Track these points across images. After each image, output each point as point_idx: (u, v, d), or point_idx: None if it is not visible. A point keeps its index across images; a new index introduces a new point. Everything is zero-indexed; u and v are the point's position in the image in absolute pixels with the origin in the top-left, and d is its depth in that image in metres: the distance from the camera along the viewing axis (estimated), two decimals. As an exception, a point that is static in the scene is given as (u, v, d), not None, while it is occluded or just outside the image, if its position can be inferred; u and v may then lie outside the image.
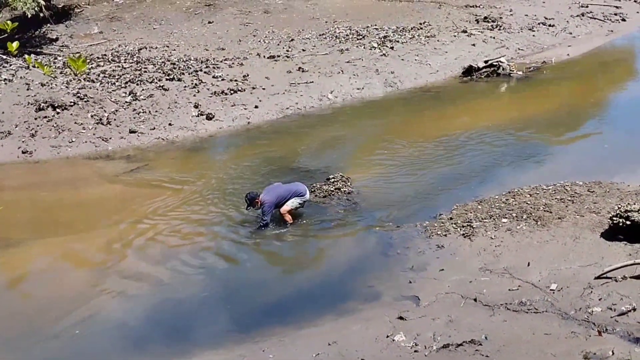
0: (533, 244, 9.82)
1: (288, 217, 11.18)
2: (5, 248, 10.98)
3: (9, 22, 4.11)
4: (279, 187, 11.31)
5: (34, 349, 8.47)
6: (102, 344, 8.61)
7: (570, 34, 23.39)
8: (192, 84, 17.48)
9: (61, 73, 17.49)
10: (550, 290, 8.62)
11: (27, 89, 16.44)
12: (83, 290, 9.72)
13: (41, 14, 20.51)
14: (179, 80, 17.59)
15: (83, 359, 8.44)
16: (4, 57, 16.34)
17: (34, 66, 14.44)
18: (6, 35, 4.13)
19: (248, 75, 18.21)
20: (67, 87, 16.69)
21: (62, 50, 19.79)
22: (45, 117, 15.51)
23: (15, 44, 4.05)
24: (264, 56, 19.63)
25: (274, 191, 11.15)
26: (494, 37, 22.00)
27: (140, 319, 9.11)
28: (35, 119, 15.47)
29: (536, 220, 10.41)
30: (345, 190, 12.10)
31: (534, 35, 22.80)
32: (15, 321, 9.05)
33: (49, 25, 21.24)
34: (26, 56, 18.33)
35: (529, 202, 11.07)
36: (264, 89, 17.69)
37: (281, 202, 11.12)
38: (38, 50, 19.55)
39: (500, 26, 22.85)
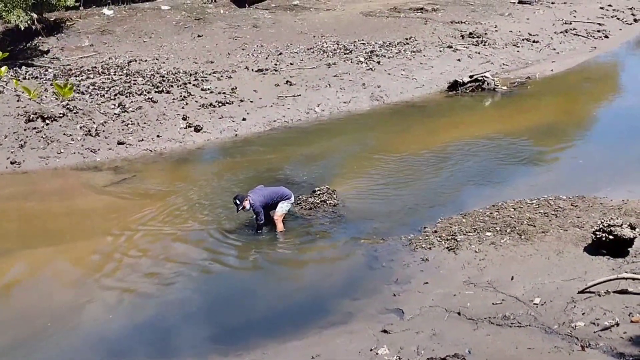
0: (517, 258, 9.89)
1: (280, 225, 11.31)
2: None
3: (0, 52, 4.21)
4: (265, 189, 11.57)
5: (14, 355, 8.49)
6: (85, 356, 8.61)
7: (554, 50, 23.73)
8: (181, 96, 17.57)
9: (51, 85, 17.54)
10: (534, 304, 8.66)
11: (17, 101, 16.45)
12: (68, 301, 9.73)
13: (33, 27, 20.56)
14: (168, 92, 17.68)
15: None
16: None
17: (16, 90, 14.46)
18: None
19: (236, 88, 18.33)
20: (56, 98, 16.71)
21: (52, 63, 19.84)
22: (35, 128, 15.53)
23: (3, 69, 4.15)
24: (253, 69, 19.77)
25: (260, 192, 11.40)
26: (478, 53, 22.26)
27: (123, 331, 9.11)
28: (25, 130, 15.48)
29: (520, 234, 10.51)
30: (330, 203, 12.18)
31: (518, 51, 23.08)
32: None
33: (40, 37, 21.30)
34: (24, 71, 18.51)
35: (512, 216, 11.17)
36: (252, 101, 17.81)
37: (269, 203, 11.32)
38: (29, 62, 19.59)
39: (485, 42, 23.12)
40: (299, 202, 12.21)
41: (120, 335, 9.02)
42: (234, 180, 13.80)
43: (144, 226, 11.86)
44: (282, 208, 11.39)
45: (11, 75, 17.46)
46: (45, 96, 16.68)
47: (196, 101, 17.46)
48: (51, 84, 17.59)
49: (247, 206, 11.16)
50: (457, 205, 12.15)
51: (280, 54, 21.18)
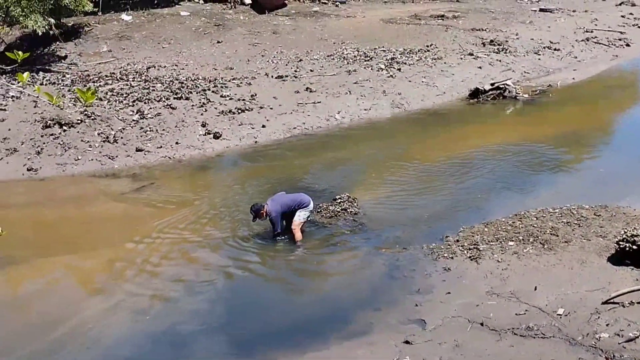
0: (540, 268, 9.75)
1: (299, 235, 11.17)
2: (8, 266, 10.91)
3: (20, 52, 4.14)
4: (284, 196, 11.39)
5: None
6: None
7: (576, 58, 23.53)
8: (200, 102, 17.54)
9: (69, 91, 17.56)
10: (558, 315, 8.54)
11: (35, 107, 16.47)
12: (85, 310, 9.64)
13: (51, 32, 20.62)
14: (187, 99, 17.65)
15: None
16: (17, 87, 16.45)
17: (38, 96, 14.50)
18: (17, 65, 4.15)
19: (256, 94, 18.28)
20: (74, 105, 16.72)
21: (70, 68, 19.87)
22: (52, 134, 15.53)
23: (25, 75, 4.06)
24: (272, 76, 19.71)
25: (278, 200, 11.23)
26: (500, 60, 22.10)
27: (141, 340, 8.99)
28: (42, 136, 15.48)
29: (543, 244, 10.36)
30: (351, 211, 12.07)
31: (539, 59, 22.90)
32: (14, 340, 8.97)
33: (58, 43, 21.32)
34: (41, 76, 18.56)
35: (535, 225, 11.02)
36: (271, 108, 17.74)
37: (287, 211, 11.18)
38: (47, 67, 19.62)
39: (506, 49, 22.98)
40: (319, 210, 12.10)
41: (138, 345, 8.91)
42: (253, 187, 13.72)
43: (162, 234, 11.76)
44: (300, 217, 11.23)
45: (29, 81, 17.53)
46: (63, 102, 16.69)
47: (215, 108, 17.42)
48: (69, 90, 17.62)
49: (264, 216, 11.06)
50: (479, 214, 12.00)
51: (300, 60, 21.11)
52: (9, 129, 15.72)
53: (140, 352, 8.79)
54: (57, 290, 10.40)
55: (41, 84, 18.07)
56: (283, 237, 11.27)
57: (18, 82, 17.38)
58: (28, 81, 17.02)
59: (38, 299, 10.14)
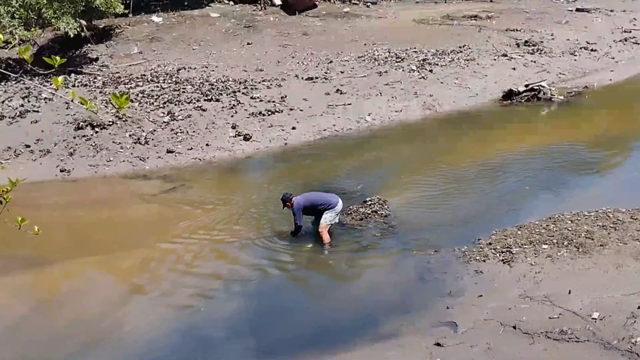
0: (574, 271, 9.54)
1: (326, 237, 11.06)
2: (41, 266, 11.01)
3: (57, 57, 4.12)
4: (313, 194, 11.49)
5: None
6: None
7: (613, 58, 23.07)
8: (230, 104, 17.55)
9: (100, 92, 17.70)
10: (592, 319, 8.34)
11: (67, 108, 16.65)
12: (118, 309, 9.68)
13: (82, 34, 20.83)
14: (217, 100, 17.68)
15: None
16: (50, 89, 16.59)
17: (72, 100, 14.66)
18: (54, 70, 4.14)
19: (286, 96, 18.24)
20: (105, 106, 16.86)
21: (102, 70, 20.05)
22: (84, 136, 15.67)
23: (60, 79, 4.04)
24: (302, 77, 19.65)
25: (307, 196, 11.33)
26: (534, 61, 21.76)
27: (167, 342, 8.98)
28: (74, 137, 15.64)
29: (577, 247, 10.14)
30: (382, 213, 11.94)
31: (575, 60, 22.51)
32: (50, 339, 9.01)
33: (89, 45, 21.56)
34: (73, 78, 18.75)
35: (570, 229, 10.79)
36: (301, 110, 17.68)
37: (311, 208, 11.18)
38: (78, 69, 19.82)
39: (541, 50, 22.63)
40: (349, 212, 11.99)
41: (168, 348, 8.90)
42: (283, 189, 13.55)
43: (193, 235, 11.76)
44: (326, 219, 11.12)
45: (58, 94, 17.73)
46: (95, 104, 16.81)
47: (245, 110, 17.41)
48: (100, 92, 17.77)
49: (290, 206, 11.18)
50: (512, 217, 11.80)
51: (331, 62, 21.03)
52: (42, 131, 15.91)
53: (172, 350, 8.78)
54: (91, 290, 10.45)
55: (73, 86, 18.27)
56: (303, 233, 11.23)
57: (51, 84, 17.55)
58: (57, 94, 17.20)
59: (73, 298, 10.21)
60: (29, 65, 4.15)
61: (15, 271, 10.79)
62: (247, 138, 16.20)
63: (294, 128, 16.87)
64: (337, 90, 18.82)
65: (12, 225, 4.13)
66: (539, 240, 10.51)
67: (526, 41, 23.25)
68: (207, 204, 13.15)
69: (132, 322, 9.37)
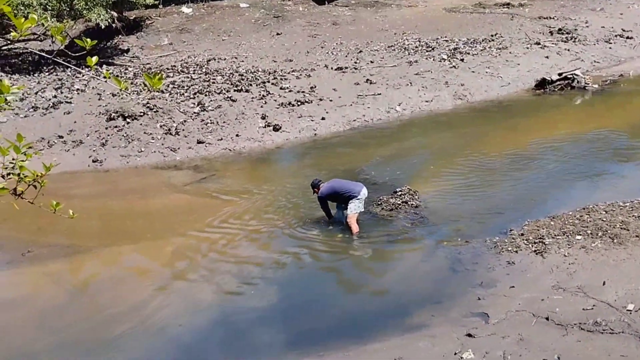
0: (609, 263, 9.34)
1: (355, 227, 11.02)
2: (75, 255, 11.13)
3: (88, 39, 4.16)
4: (338, 182, 11.49)
5: (92, 354, 8.52)
6: (158, 354, 8.56)
7: (649, 46, 22.62)
8: (260, 95, 17.56)
9: (132, 84, 17.84)
10: (627, 310, 8.16)
11: (99, 99, 16.81)
12: (147, 299, 9.71)
13: (113, 25, 20.99)
14: (247, 91, 17.71)
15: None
16: (82, 70, 16.75)
17: (106, 79, 14.82)
18: (84, 52, 4.19)
19: (315, 86, 18.19)
20: (137, 97, 16.98)
21: (132, 61, 20.21)
22: (116, 126, 15.80)
23: (94, 59, 4.06)
24: (332, 68, 19.59)
25: (332, 184, 11.34)
26: (568, 49, 21.45)
27: (202, 330, 9.01)
28: (106, 128, 15.78)
29: (612, 238, 9.93)
30: (412, 204, 11.85)
31: (610, 48, 22.13)
32: (84, 326, 9.11)
33: (120, 36, 21.74)
34: (105, 68, 18.93)
35: (604, 219, 10.58)
36: (331, 100, 17.62)
37: (335, 196, 11.24)
38: (110, 61, 20.01)
39: (575, 38, 22.29)
40: (379, 202, 11.93)
41: (198, 336, 8.92)
42: (312, 180, 13.60)
43: (223, 226, 11.79)
44: (352, 209, 11.07)
45: (93, 73, 17.89)
46: (126, 95, 16.96)
47: (275, 100, 17.41)
48: (132, 83, 17.89)
49: (316, 193, 11.34)
50: (544, 208, 11.61)
51: (360, 51, 20.93)
52: (75, 122, 16.07)
53: (201, 339, 8.81)
54: (127, 278, 10.53)
55: (107, 81, 18.43)
56: (341, 226, 11.20)
57: (83, 76, 17.75)
58: (92, 74, 17.39)
59: (103, 288, 10.27)
60: (63, 48, 4.17)
61: (52, 259, 10.91)
62: (276, 128, 16.20)
63: (323, 118, 16.83)
64: (367, 80, 18.73)
65: (47, 210, 4.16)
66: (572, 231, 10.33)
67: (560, 29, 22.92)
68: (237, 193, 13.19)
69: (167, 308, 9.41)
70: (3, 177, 3.44)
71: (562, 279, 9.08)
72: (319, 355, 8.13)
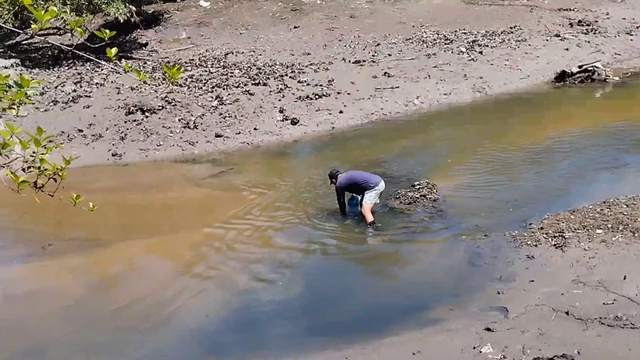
0: (630, 257, 9.24)
1: (369, 217, 11.02)
2: (95, 248, 11.20)
3: (107, 30, 4.16)
4: (355, 173, 11.51)
5: (114, 346, 8.58)
6: (179, 349, 8.59)
7: (671, 38, 22.32)
8: (278, 88, 17.55)
9: (150, 77, 17.92)
10: (649, 305, 8.10)
11: (118, 93, 16.88)
12: (165, 294, 9.75)
13: (132, 19, 21.08)
14: (265, 85, 17.71)
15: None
16: (101, 62, 16.79)
17: (127, 72, 14.88)
18: (104, 43, 4.20)
19: (333, 80, 18.16)
20: (155, 91, 17.04)
21: (151, 55, 20.30)
22: (135, 120, 15.88)
23: (114, 50, 4.07)
24: (350, 61, 19.54)
25: (349, 175, 11.37)
26: (588, 42, 21.23)
27: (219, 323, 9.03)
28: (125, 122, 15.86)
29: (633, 232, 9.82)
30: (430, 197, 11.79)
31: (632, 40, 21.88)
32: (103, 317, 9.17)
33: (139, 30, 21.83)
34: (124, 62, 19.02)
35: (625, 213, 10.46)
36: (349, 93, 17.58)
37: (353, 186, 11.24)
38: (128, 54, 20.11)
39: (596, 30, 22.05)
40: (397, 196, 11.89)
41: (217, 329, 8.94)
42: (331, 170, 13.57)
43: (241, 220, 11.81)
44: (367, 199, 11.10)
45: (112, 67, 17.97)
46: (145, 89, 17.03)
47: (293, 93, 17.40)
48: (150, 77, 17.97)
49: (334, 183, 11.37)
50: (564, 201, 11.51)
51: (378, 44, 20.85)
52: (94, 115, 16.17)
53: (217, 335, 8.82)
54: (141, 272, 10.60)
55: (124, 71, 18.51)
56: (350, 215, 11.32)
57: (102, 70, 17.83)
58: (111, 67, 17.45)
59: (124, 280, 10.36)
60: (83, 42, 4.16)
61: (72, 253, 11.01)
62: (294, 122, 16.19)
63: (341, 112, 16.80)
64: (385, 73, 18.67)
65: (67, 203, 4.18)
66: (592, 224, 10.23)
67: (580, 21, 22.68)
68: (255, 187, 13.21)
69: (179, 301, 9.45)
70: (24, 170, 3.46)
71: (582, 273, 9.00)
72: (337, 349, 8.11)
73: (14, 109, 3.33)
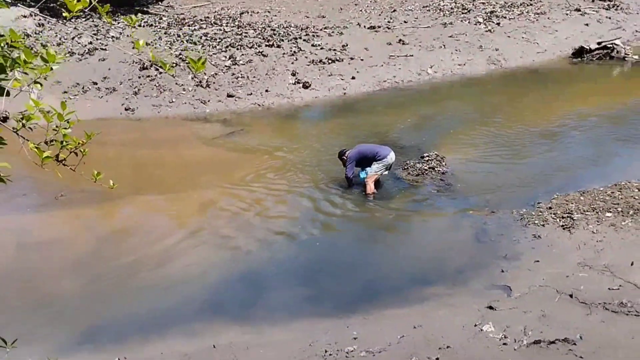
0: (638, 243, 9.18)
1: (370, 187, 11.02)
2: (106, 201, 11.22)
3: None
4: (365, 145, 11.47)
5: (117, 299, 8.65)
6: (180, 305, 8.61)
7: (694, 16, 21.95)
8: (291, 51, 17.40)
9: (165, 34, 17.76)
10: (655, 293, 8.08)
11: (133, 47, 16.73)
12: (171, 250, 9.79)
13: (150, -27, 20.88)
14: (278, 47, 17.55)
15: (160, 315, 8.44)
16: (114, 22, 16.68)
17: (132, 26, 14.76)
18: None
19: (347, 45, 17.97)
20: (170, 47, 16.92)
21: (167, 11, 20.12)
22: (148, 76, 15.81)
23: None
24: (364, 26, 19.31)
25: (358, 148, 11.32)
26: (609, 18, 20.90)
27: (222, 285, 9.05)
28: (139, 77, 15.81)
29: (644, 217, 9.77)
30: (439, 170, 11.74)
31: (654, 18, 21.52)
32: (109, 272, 9.22)
33: (156, -16, 21.60)
34: (140, 16, 18.81)
35: (636, 197, 10.38)
36: (362, 60, 17.42)
37: (363, 159, 11.17)
38: (144, 9, 19.91)
39: (618, 6, 21.71)
40: (406, 167, 11.84)
41: (217, 288, 8.97)
42: (340, 139, 13.53)
43: (249, 181, 11.82)
44: (372, 169, 11.10)
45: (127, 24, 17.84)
46: (159, 45, 16.90)
47: (306, 57, 17.25)
48: (165, 33, 17.82)
49: (344, 162, 11.31)
50: (574, 182, 11.41)
51: (394, 11, 20.59)
52: (109, 69, 16.11)
53: (217, 295, 8.84)
54: (148, 227, 10.61)
55: (139, 26, 18.34)
56: (356, 187, 11.26)
57: (118, 23, 17.66)
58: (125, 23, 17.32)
59: (133, 234, 10.38)
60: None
61: (83, 204, 11.04)
62: (306, 86, 16.09)
63: (353, 78, 16.66)
64: (400, 40, 18.45)
65: (87, 178, 4.17)
66: (602, 207, 10.16)
67: (602, -5, 22.34)
68: (265, 149, 13.19)
69: (194, 258, 9.51)
70: (46, 143, 3.44)
71: (588, 256, 8.96)
72: (339, 317, 8.13)
73: (40, 83, 3.29)
